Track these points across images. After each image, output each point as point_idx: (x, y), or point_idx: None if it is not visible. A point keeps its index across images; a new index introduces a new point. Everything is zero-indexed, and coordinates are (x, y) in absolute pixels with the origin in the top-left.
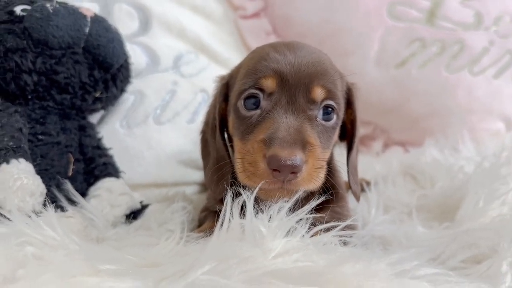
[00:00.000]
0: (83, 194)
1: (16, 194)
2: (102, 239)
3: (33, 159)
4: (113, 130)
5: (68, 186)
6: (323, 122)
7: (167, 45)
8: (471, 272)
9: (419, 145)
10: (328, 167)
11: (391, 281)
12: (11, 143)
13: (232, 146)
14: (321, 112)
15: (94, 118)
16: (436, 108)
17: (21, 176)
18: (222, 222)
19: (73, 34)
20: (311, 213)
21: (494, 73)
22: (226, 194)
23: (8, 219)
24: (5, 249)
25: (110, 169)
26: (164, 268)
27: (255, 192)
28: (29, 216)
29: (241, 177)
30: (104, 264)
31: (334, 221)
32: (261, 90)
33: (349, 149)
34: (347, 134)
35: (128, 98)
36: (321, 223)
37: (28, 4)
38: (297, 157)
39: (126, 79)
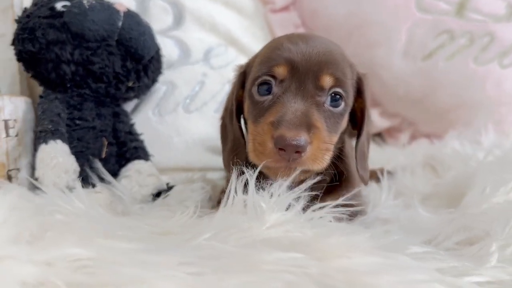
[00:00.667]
0: (115, 174)
1: (53, 171)
2: (127, 213)
3: (70, 142)
4: (146, 118)
5: (99, 165)
6: (331, 108)
7: (199, 38)
8: (463, 253)
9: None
10: (340, 154)
11: (373, 253)
12: (50, 126)
13: (247, 130)
14: (329, 98)
15: (128, 106)
16: (463, 100)
17: (57, 155)
18: (228, 198)
19: (107, 27)
20: (319, 196)
21: None
22: (234, 173)
23: (45, 192)
24: (38, 216)
25: (140, 153)
26: (174, 235)
27: (258, 169)
28: (63, 191)
29: (251, 156)
30: (122, 230)
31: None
32: (273, 77)
33: (358, 135)
34: (358, 122)
35: (160, 88)
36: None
37: (68, 0)
38: (302, 137)
39: (157, 70)
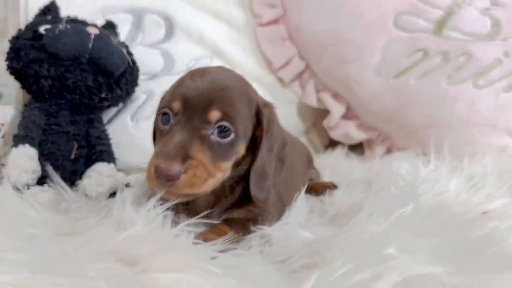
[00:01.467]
0: (83, 174)
1: (15, 171)
2: (69, 210)
3: (45, 144)
4: (124, 123)
5: (50, 169)
6: (218, 139)
7: (186, 50)
8: (297, 276)
9: (421, 153)
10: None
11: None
12: (22, 132)
13: None
14: (216, 131)
15: (111, 112)
16: (433, 119)
17: (20, 158)
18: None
19: (78, 48)
20: (226, 213)
21: (506, 86)
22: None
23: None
24: None
25: (104, 156)
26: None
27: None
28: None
29: (145, 179)
30: (32, 227)
31: (247, 217)
32: (171, 110)
33: (254, 160)
34: (257, 147)
35: (140, 97)
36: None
37: (50, 24)
38: (173, 168)
39: (131, 82)
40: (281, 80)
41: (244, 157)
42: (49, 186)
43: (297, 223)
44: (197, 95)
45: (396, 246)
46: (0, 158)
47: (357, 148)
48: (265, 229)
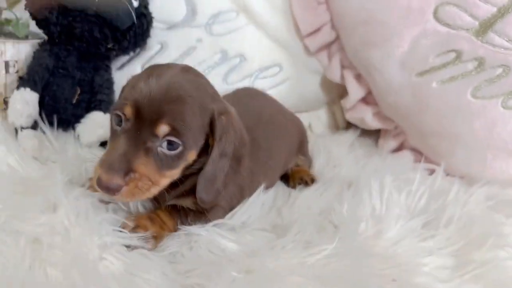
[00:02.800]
0: (83, 117)
1: (13, 113)
2: (47, 159)
3: (51, 86)
4: (135, 71)
5: (37, 117)
6: (166, 151)
7: (210, 1)
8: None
9: (429, 160)
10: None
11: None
12: (26, 75)
13: None
14: (165, 143)
15: (124, 59)
16: (446, 130)
17: (17, 101)
18: None
19: (84, 1)
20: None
21: None
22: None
23: None
24: None
25: (102, 105)
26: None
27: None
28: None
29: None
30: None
31: (192, 207)
32: (124, 114)
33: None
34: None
35: (154, 47)
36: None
37: None
38: (113, 182)
39: (140, 35)
40: (306, 48)
41: (195, 160)
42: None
43: (239, 224)
44: (148, 105)
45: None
46: (12, 91)
47: (373, 134)
48: (189, 229)
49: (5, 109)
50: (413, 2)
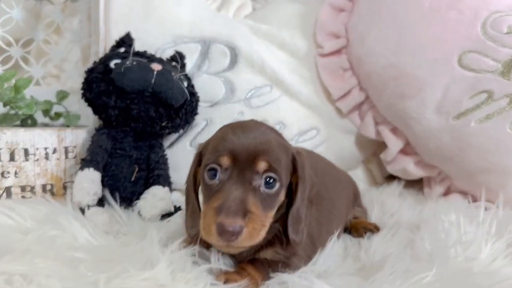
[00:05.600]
0: (141, 194)
1: (79, 192)
2: (120, 232)
3: (109, 167)
4: (183, 148)
5: (107, 194)
6: (266, 190)
7: (247, 79)
8: None
9: (479, 199)
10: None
11: None
12: (89, 157)
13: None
14: (263, 182)
15: (173, 137)
16: (493, 165)
17: (84, 181)
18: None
19: (142, 83)
20: (258, 252)
21: None
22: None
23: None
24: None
25: (160, 179)
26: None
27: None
28: (81, 208)
29: (202, 233)
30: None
31: (274, 259)
32: (219, 165)
33: (292, 204)
34: (293, 193)
35: (200, 124)
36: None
37: (121, 59)
38: (237, 224)
39: (190, 112)
40: (339, 110)
41: (281, 205)
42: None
43: (323, 270)
44: (245, 150)
45: None
46: (72, 176)
47: (416, 184)
48: (283, 276)
49: (64, 194)
50: (438, 53)
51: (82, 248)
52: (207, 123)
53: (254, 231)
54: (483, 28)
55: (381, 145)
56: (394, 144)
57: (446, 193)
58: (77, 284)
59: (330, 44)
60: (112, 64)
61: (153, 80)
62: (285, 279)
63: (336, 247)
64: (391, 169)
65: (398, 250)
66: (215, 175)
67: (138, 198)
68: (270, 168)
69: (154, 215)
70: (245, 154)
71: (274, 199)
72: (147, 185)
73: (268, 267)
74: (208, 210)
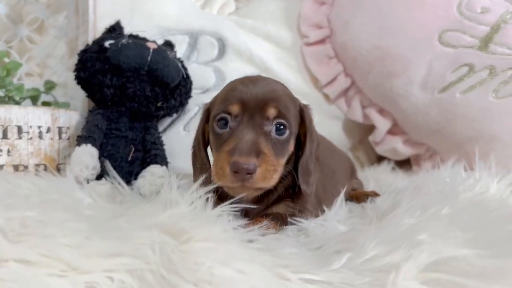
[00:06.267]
0: (138, 174)
1: (77, 166)
2: (123, 202)
3: (105, 147)
4: (177, 132)
5: (108, 165)
6: (277, 136)
7: (236, 68)
8: (327, 259)
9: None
10: (295, 172)
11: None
12: (85, 133)
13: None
14: (274, 128)
15: (166, 122)
16: (480, 133)
17: (82, 155)
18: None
19: (138, 61)
20: (270, 207)
21: None
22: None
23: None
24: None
25: (158, 159)
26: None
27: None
28: (80, 181)
29: (215, 178)
30: (90, 210)
31: (286, 212)
32: (229, 113)
33: (301, 155)
34: (301, 144)
35: (193, 109)
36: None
37: (114, 39)
38: (251, 162)
39: (185, 94)
40: (326, 97)
41: (289, 158)
42: (106, 180)
43: (336, 220)
44: (254, 98)
45: (428, 233)
46: (65, 157)
47: (404, 164)
48: (302, 223)
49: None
50: (419, 33)
51: (91, 207)
52: (200, 108)
53: (267, 172)
54: (459, 9)
55: (367, 132)
56: (382, 124)
57: (434, 168)
58: (98, 225)
59: (315, 34)
60: (106, 43)
61: (149, 58)
62: (305, 225)
63: (342, 205)
64: (380, 149)
65: (408, 196)
66: (225, 124)
67: (135, 179)
68: (279, 115)
69: (154, 192)
70: (255, 101)
71: (284, 146)
72: (144, 165)
73: (281, 218)
74: (220, 155)
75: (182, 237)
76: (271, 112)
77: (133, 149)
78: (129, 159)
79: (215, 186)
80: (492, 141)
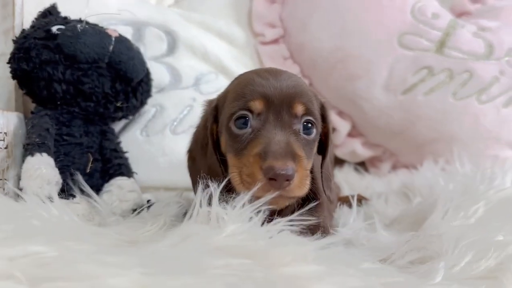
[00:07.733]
0: (99, 189)
1: (35, 182)
2: (104, 224)
3: (57, 156)
4: (134, 137)
5: (80, 178)
6: (305, 136)
7: (190, 65)
8: (414, 271)
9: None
10: (311, 175)
11: (317, 263)
12: (37, 139)
13: (226, 163)
14: (302, 126)
15: (118, 125)
16: (441, 134)
17: (41, 167)
18: (193, 210)
19: (98, 51)
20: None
21: (504, 101)
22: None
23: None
24: (14, 220)
25: (123, 169)
26: (140, 243)
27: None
28: (43, 200)
29: (239, 187)
30: (89, 236)
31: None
32: (250, 111)
33: (323, 158)
34: (323, 145)
35: (149, 110)
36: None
37: (63, 25)
38: (290, 167)
39: (146, 93)
40: None
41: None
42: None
43: (360, 227)
44: (278, 92)
45: (500, 232)
46: (3, 172)
47: (360, 166)
48: (342, 232)
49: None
50: (380, 35)
51: (80, 234)
52: (157, 110)
53: (303, 178)
54: (412, 13)
55: None
56: (342, 126)
57: (392, 169)
58: (140, 256)
59: (269, 33)
60: (54, 29)
61: (111, 47)
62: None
63: (354, 211)
64: (341, 152)
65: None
66: (245, 123)
67: (96, 193)
68: (307, 112)
69: (125, 209)
70: (280, 97)
71: (312, 147)
72: (105, 178)
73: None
74: (245, 159)
75: (265, 260)
76: (299, 108)
77: (91, 159)
78: (88, 170)
79: (266, 200)
80: (452, 141)
